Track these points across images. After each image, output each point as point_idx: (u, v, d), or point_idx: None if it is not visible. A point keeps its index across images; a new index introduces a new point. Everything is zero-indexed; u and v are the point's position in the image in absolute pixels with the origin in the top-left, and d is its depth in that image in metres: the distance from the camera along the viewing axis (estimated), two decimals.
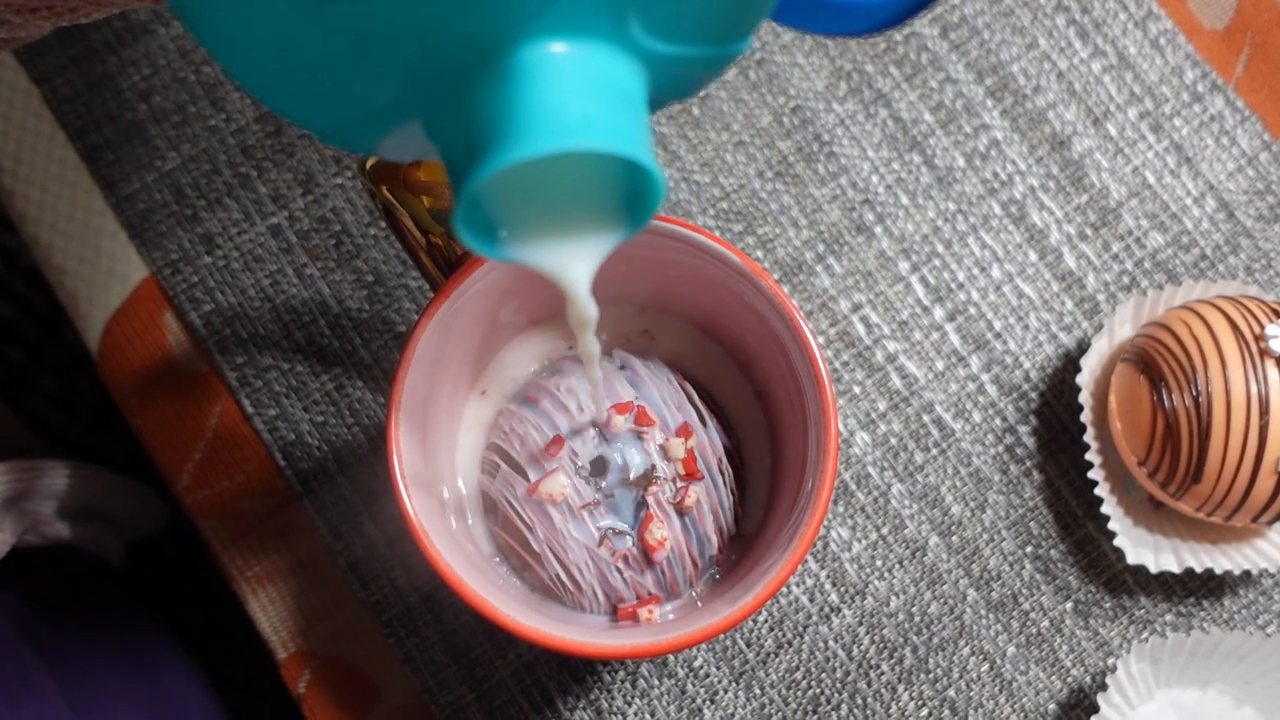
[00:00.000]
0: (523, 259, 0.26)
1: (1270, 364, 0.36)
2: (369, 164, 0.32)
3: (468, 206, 0.24)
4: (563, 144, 0.22)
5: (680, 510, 0.33)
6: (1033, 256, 0.44)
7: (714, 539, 0.34)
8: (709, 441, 0.34)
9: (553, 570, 0.33)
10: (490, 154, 0.22)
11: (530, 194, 0.25)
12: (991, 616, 0.41)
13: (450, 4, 0.21)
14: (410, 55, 0.22)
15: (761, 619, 0.41)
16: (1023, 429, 0.43)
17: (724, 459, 0.34)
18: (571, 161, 0.23)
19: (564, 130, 0.22)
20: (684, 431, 0.33)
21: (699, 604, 0.34)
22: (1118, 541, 0.40)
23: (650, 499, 0.32)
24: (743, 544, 0.35)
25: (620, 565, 0.33)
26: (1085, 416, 0.41)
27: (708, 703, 0.40)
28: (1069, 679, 0.41)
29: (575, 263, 0.27)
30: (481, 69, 0.22)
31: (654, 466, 0.33)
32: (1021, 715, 0.41)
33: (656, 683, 0.40)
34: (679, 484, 0.33)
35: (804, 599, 0.41)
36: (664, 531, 0.32)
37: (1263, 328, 0.37)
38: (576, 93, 0.22)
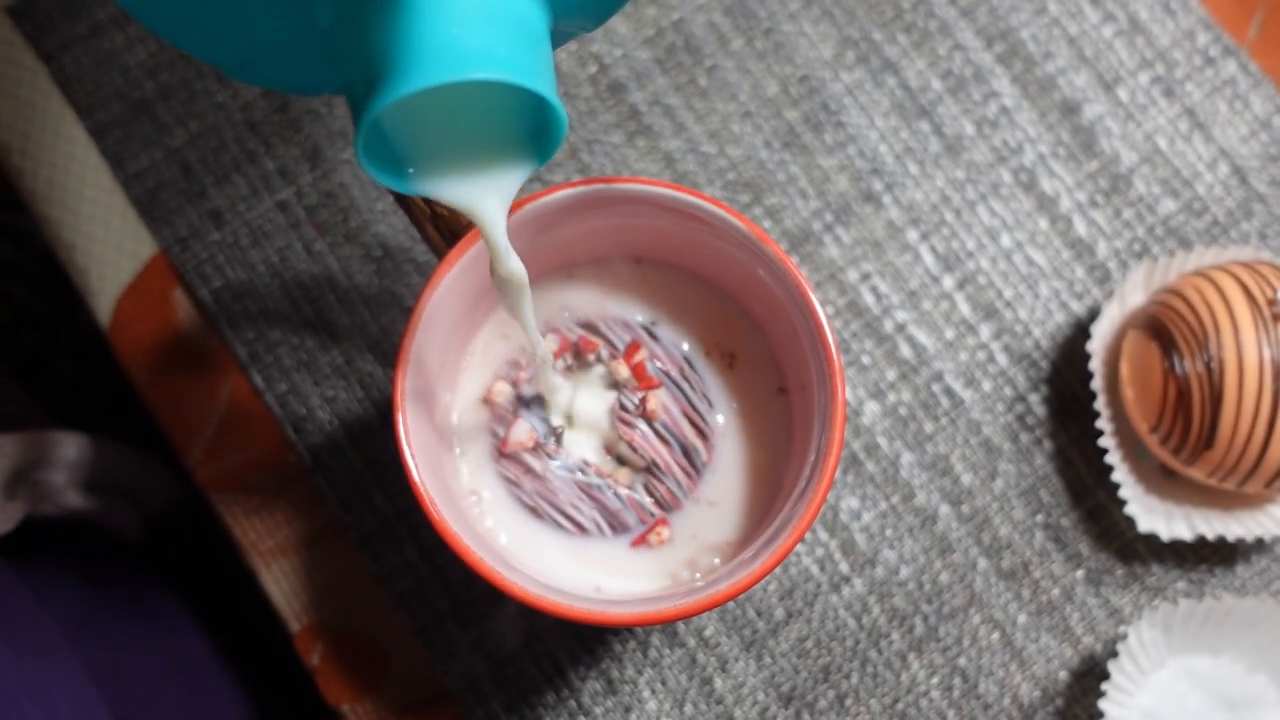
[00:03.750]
0: (431, 192, 0.26)
1: None
2: None
3: (368, 136, 0.24)
4: (458, 74, 0.21)
5: (647, 417, 0.34)
6: (1043, 224, 0.44)
7: (699, 444, 0.34)
8: (664, 353, 0.35)
9: (553, 517, 0.34)
10: (387, 84, 0.22)
11: (435, 125, 0.25)
12: (1002, 585, 0.41)
13: None
14: None
15: (771, 588, 0.41)
16: (1033, 397, 0.42)
17: (686, 367, 0.35)
18: (474, 93, 0.23)
19: (460, 61, 0.21)
20: (632, 348, 0.35)
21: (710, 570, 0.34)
22: (1129, 509, 0.40)
23: (611, 414, 0.34)
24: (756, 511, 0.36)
25: (609, 484, 0.33)
26: (1096, 384, 0.40)
27: (718, 672, 0.40)
28: (1080, 647, 0.41)
29: (486, 196, 0.27)
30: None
31: (615, 385, 0.34)
32: (1033, 683, 0.41)
33: (667, 652, 0.40)
34: (637, 394, 0.34)
35: (814, 568, 0.41)
36: (633, 433, 0.34)
37: (1275, 292, 0.37)
38: (474, 22, 0.22)
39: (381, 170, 0.25)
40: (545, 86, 0.23)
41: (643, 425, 0.34)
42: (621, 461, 0.35)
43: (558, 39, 0.25)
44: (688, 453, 0.35)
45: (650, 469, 0.34)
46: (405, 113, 0.23)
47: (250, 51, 0.23)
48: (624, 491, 0.34)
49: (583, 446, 0.35)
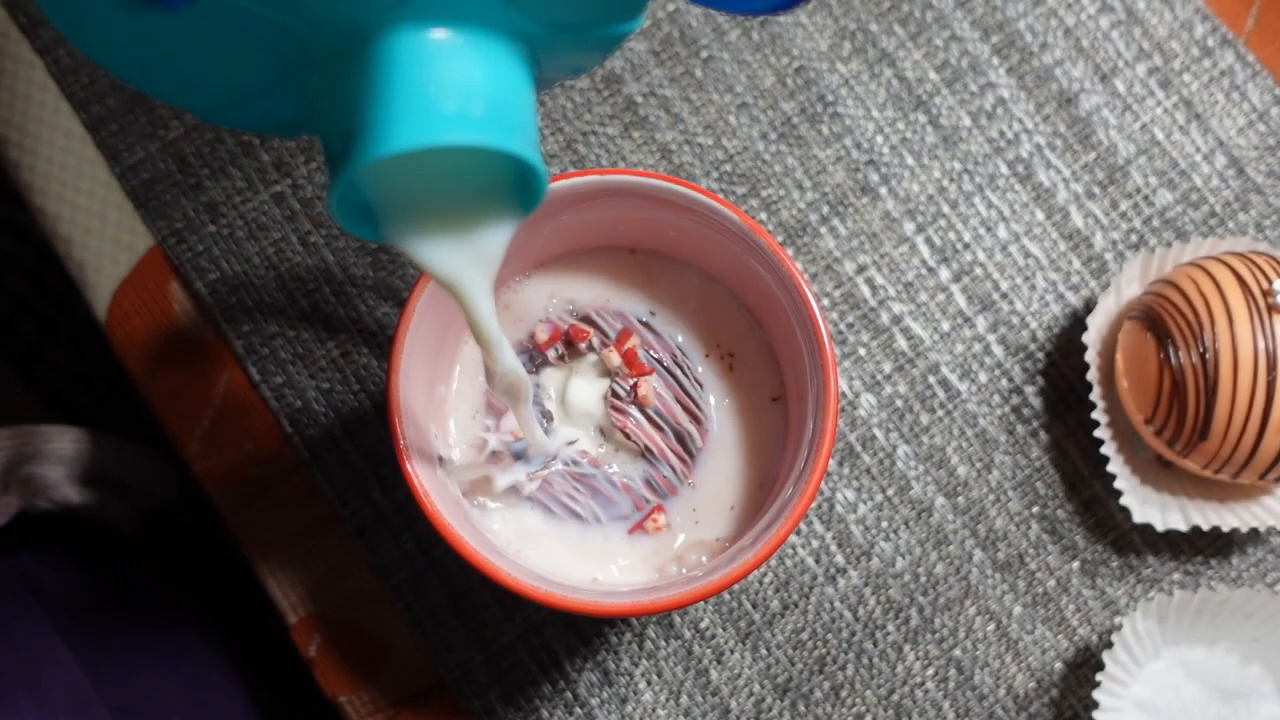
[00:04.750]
0: (409, 250, 0.25)
1: (1278, 319, 0.36)
2: None
3: (344, 192, 0.23)
4: (436, 139, 0.21)
5: (639, 403, 0.34)
6: (1039, 216, 0.44)
7: (693, 429, 0.35)
8: (656, 340, 0.35)
9: (547, 505, 0.34)
10: (364, 143, 0.21)
11: (411, 178, 0.24)
12: (998, 576, 0.41)
13: None
14: (276, 41, 0.21)
15: (767, 580, 0.41)
16: (1029, 389, 0.42)
17: (678, 354, 0.35)
18: (452, 151, 0.22)
19: (438, 124, 0.21)
20: (624, 336, 0.35)
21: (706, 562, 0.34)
22: (1124, 500, 0.40)
23: (604, 402, 0.34)
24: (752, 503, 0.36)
25: (603, 473, 0.34)
26: (1092, 375, 0.40)
27: (714, 663, 0.40)
28: (1075, 638, 0.41)
29: (469, 266, 0.25)
30: (354, 54, 0.21)
31: (608, 373, 0.35)
32: (1028, 674, 0.41)
33: (663, 644, 0.40)
34: (629, 381, 0.34)
35: (810, 560, 0.41)
36: (626, 419, 0.34)
37: (1271, 283, 0.37)
38: (452, 82, 0.21)
39: (356, 224, 0.24)
40: (525, 146, 0.22)
41: (636, 412, 0.34)
42: (616, 449, 0.35)
43: (541, 85, 0.25)
44: (681, 439, 0.35)
45: (645, 455, 0.35)
46: (381, 168, 0.23)
47: (223, 99, 0.23)
48: (619, 479, 0.34)
49: (577, 435, 0.35)
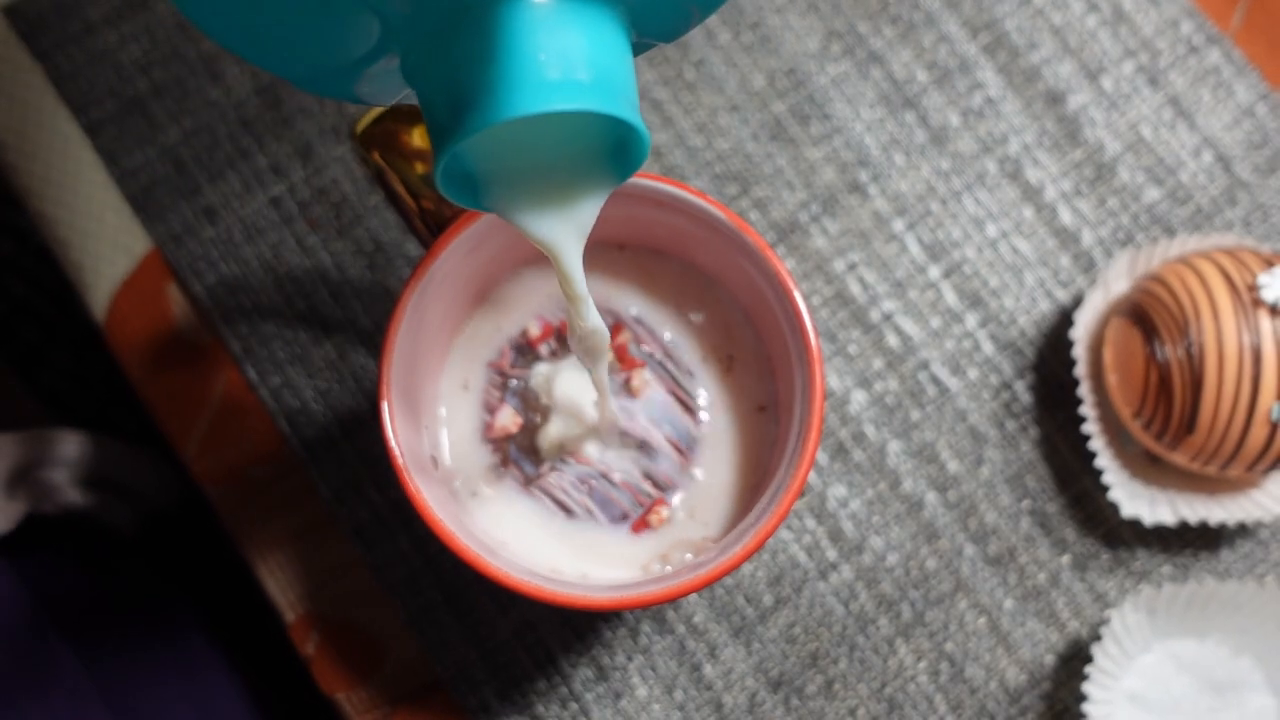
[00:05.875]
0: (507, 216, 0.26)
1: (1263, 314, 0.36)
2: (360, 129, 0.33)
3: (450, 163, 0.23)
4: (546, 105, 0.21)
5: (630, 393, 0.34)
6: (1028, 213, 0.44)
7: (687, 420, 0.35)
8: (648, 334, 0.36)
9: (549, 506, 0.34)
10: (473, 113, 0.21)
11: (511, 146, 0.25)
12: (989, 571, 0.41)
13: None
14: (383, 9, 0.22)
15: (759, 575, 0.41)
16: (1019, 385, 0.43)
17: (668, 348, 0.36)
18: (555, 116, 0.23)
19: (547, 90, 0.21)
20: (615, 331, 0.35)
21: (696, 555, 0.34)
22: (1113, 494, 0.40)
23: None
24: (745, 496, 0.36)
25: (598, 472, 0.34)
26: (1080, 370, 0.41)
27: (708, 658, 0.41)
28: (1066, 631, 0.41)
29: (564, 230, 0.26)
30: (463, 20, 0.22)
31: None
32: (1019, 667, 0.41)
33: (657, 639, 0.41)
34: (622, 376, 0.35)
35: (802, 555, 0.41)
36: (629, 406, 0.34)
37: (1255, 278, 0.37)
38: (557, 49, 0.21)
39: (459, 193, 0.24)
40: (629, 110, 0.23)
41: (632, 404, 0.35)
42: (611, 445, 0.35)
43: (638, 50, 0.25)
44: (678, 431, 0.35)
45: (642, 449, 0.35)
46: (483, 137, 0.23)
47: (324, 68, 0.23)
48: (618, 476, 0.35)
49: (572, 433, 0.35)
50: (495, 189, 0.26)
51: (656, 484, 0.35)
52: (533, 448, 0.35)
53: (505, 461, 0.35)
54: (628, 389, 0.35)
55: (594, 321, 0.28)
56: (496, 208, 0.26)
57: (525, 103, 0.21)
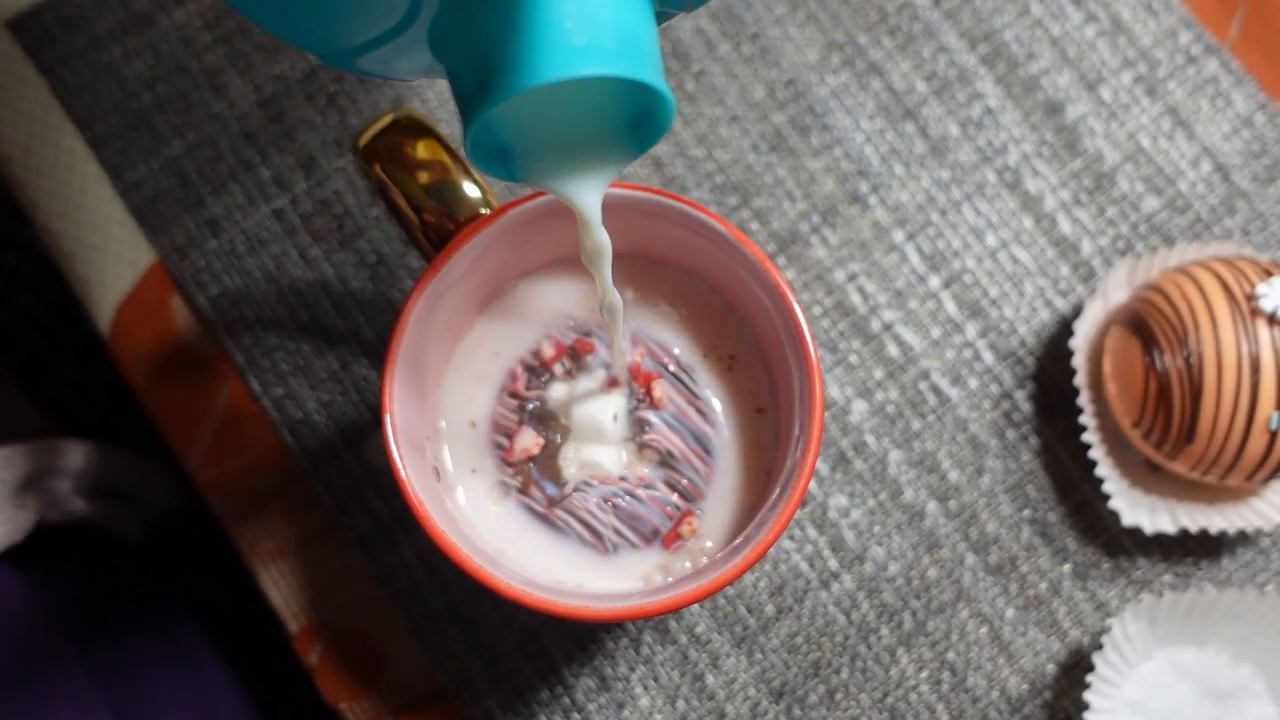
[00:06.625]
0: (535, 182, 0.26)
1: (1261, 323, 0.37)
2: (362, 142, 0.33)
3: (479, 133, 0.24)
4: (573, 71, 0.21)
5: (654, 405, 0.34)
6: (1027, 223, 0.44)
7: (707, 429, 0.35)
8: (658, 348, 0.36)
9: (574, 531, 0.34)
10: (500, 81, 0.22)
11: (540, 113, 0.25)
12: (990, 580, 0.42)
13: None
14: None
15: (761, 585, 0.41)
16: (1019, 394, 0.43)
17: (679, 360, 0.36)
18: (580, 83, 0.23)
19: (573, 57, 0.21)
20: (631, 344, 0.35)
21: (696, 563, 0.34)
22: (1113, 503, 0.40)
23: (622, 412, 0.35)
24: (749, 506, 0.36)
25: (622, 490, 0.34)
26: (1080, 380, 0.41)
27: (710, 668, 0.41)
28: (1067, 640, 0.41)
29: (586, 190, 0.27)
30: None
31: (613, 384, 0.35)
32: (1020, 676, 0.41)
33: (659, 649, 0.41)
34: (641, 389, 0.35)
35: (804, 565, 0.41)
36: (650, 418, 0.34)
37: (1254, 287, 0.37)
38: (585, 15, 0.22)
39: (488, 163, 0.25)
40: (654, 76, 0.23)
41: (653, 416, 0.35)
42: (633, 461, 0.35)
43: (658, 20, 0.25)
44: (699, 439, 0.35)
45: (667, 461, 0.35)
46: (510, 106, 0.23)
47: (351, 42, 0.23)
48: (643, 492, 0.34)
49: (591, 452, 0.35)
50: (523, 157, 0.26)
51: (683, 495, 0.35)
52: (554, 469, 0.35)
53: (527, 484, 0.35)
54: (651, 402, 0.35)
55: (601, 238, 0.29)
56: (525, 176, 0.26)
57: (552, 69, 0.21)
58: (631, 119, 0.26)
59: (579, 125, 0.26)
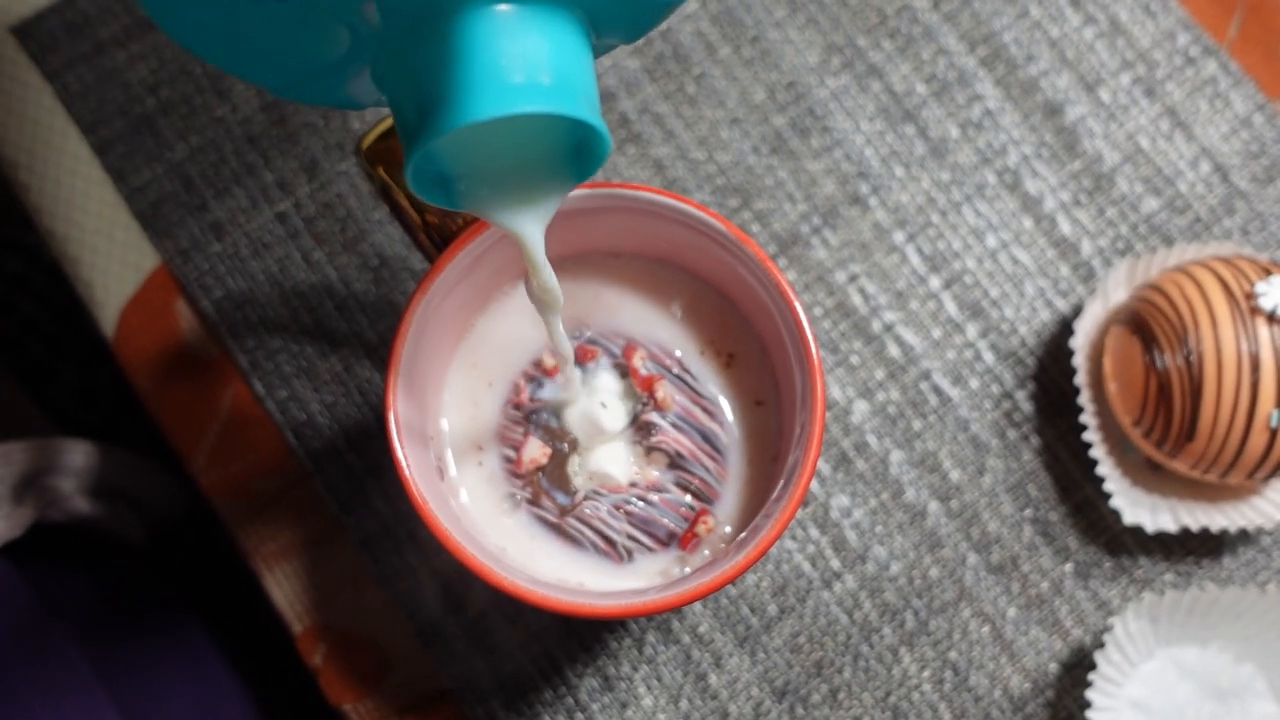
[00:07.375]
0: (479, 211, 0.27)
1: (1260, 322, 0.37)
2: (365, 145, 0.33)
3: (420, 163, 0.24)
4: (509, 108, 0.22)
5: (659, 408, 0.35)
6: (1027, 224, 0.44)
7: (715, 428, 0.35)
8: (659, 350, 0.36)
9: (588, 539, 0.34)
10: (440, 116, 0.22)
11: (480, 144, 0.26)
12: (992, 579, 0.42)
13: None
14: (353, 19, 0.22)
15: (764, 585, 0.41)
16: (1020, 394, 0.43)
17: (682, 362, 0.36)
18: (519, 118, 0.24)
19: (510, 94, 0.22)
20: (628, 352, 0.35)
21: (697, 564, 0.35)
22: (1114, 502, 0.40)
23: (625, 416, 0.35)
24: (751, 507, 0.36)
25: (634, 495, 0.34)
26: (1080, 379, 0.41)
27: (713, 668, 0.41)
28: (1070, 639, 0.41)
29: (527, 220, 0.27)
30: (427, 28, 0.23)
31: (617, 390, 0.35)
32: (1023, 675, 0.41)
33: (662, 649, 0.41)
34: (645, 392, 0.35)
35: (806, 565, 0.42)
36: (656, 421, 0.34)
37: (1253, 286, 0.37)
38: (521, 53, 0.22)
39: (429, 191, 0.25)
40: (589, 112, 0.23)
41: (659, 419, 0.35)
42: (644, 465, 0.35)
43: (599, 51, 0.26)
44: (708, 438, 0.35)
45: (676, 463, 0.35)
46: (451, 138, 0.24)
47: (297, 76, 0.24)
48: (655, 496, 0.34)
49: (599, 460, 0.35)
50: (465, 186, 0.27)
51: (696, 495, 0.35)
52: (563, 478, 0.35)
53: (537, 495, 0.35)
54: (656, 404, 0.35)
55: (549, 280, 0.29)
56: (466, 204, 0.27)
57: (489, 106, 0.22)
58: (570, 150, 0.27)
59: (518, 157, 0.27)
